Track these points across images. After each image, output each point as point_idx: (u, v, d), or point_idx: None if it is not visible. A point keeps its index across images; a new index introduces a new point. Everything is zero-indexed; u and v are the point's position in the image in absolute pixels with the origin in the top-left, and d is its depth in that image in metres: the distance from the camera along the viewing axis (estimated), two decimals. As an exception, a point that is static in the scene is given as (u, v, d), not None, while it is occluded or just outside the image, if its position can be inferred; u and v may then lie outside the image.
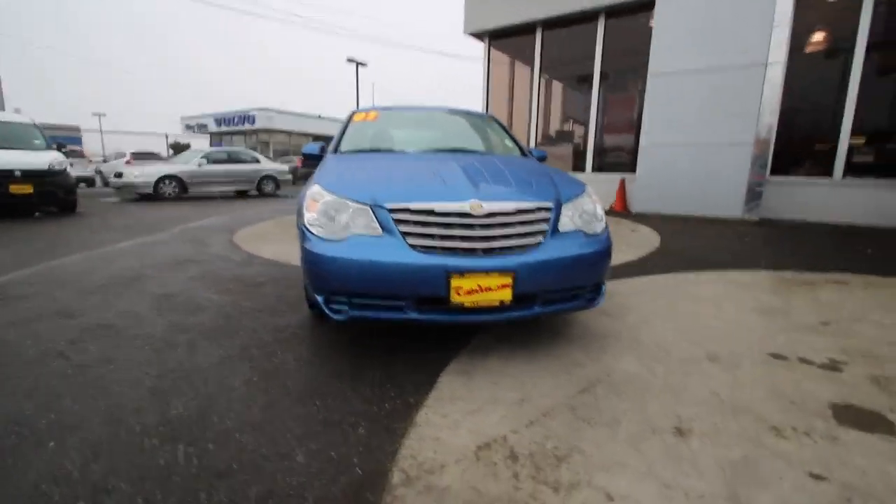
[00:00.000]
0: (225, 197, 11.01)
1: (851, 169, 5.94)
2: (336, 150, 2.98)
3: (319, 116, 33.78)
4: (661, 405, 1.63)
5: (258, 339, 2.20)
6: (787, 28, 5.57)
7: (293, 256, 4.01)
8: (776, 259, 3.96)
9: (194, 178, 10.18)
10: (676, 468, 1.29)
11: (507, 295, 1.80)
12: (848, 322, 2.46)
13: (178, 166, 10.16)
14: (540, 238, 1.91)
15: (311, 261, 1.88)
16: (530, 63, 8.49)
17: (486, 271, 1.77)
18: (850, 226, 5.69)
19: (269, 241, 4.89)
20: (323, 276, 1.85)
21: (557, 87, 8.76)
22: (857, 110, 5.78)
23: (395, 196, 1.91)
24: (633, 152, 7.37)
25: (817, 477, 1.25)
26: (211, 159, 10.56)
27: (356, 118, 3.30)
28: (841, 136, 5.91)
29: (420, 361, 1.98)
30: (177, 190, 9.93)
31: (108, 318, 2.46)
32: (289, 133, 32.16)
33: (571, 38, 8.01)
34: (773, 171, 6.20)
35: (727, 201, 6.16)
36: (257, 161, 11.56)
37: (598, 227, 2.12)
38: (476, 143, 3.15)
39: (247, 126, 30.97)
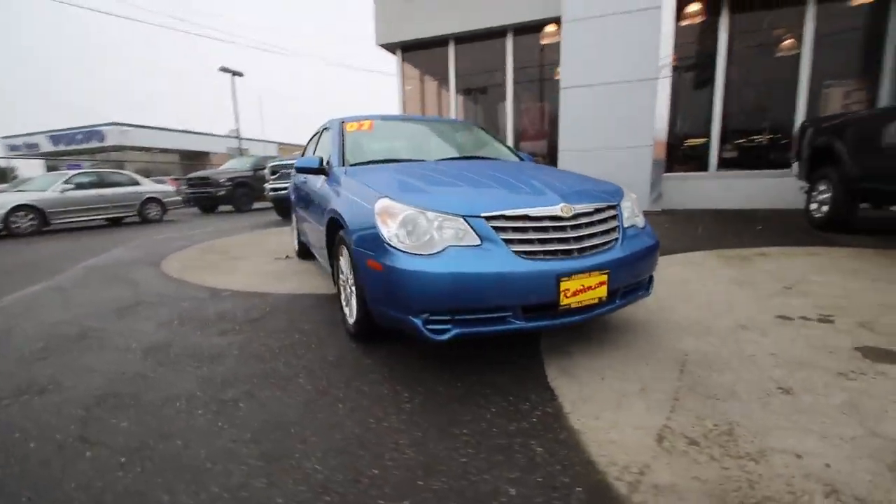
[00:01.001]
0: (94, 227, 9.28)
1: (723, 163, 7.26)
2: (343, 163, 2.76)
3: (186, 131, 30.31)
4: (750, 372, 1.85)
5: (324, 377, 1.95)
6: (670, 48, 6.62)
7: (263, 285, 3.59)
8: (700, 241, 4.67)
9: (57, 206, 8.38)
10: (816, 421, 1.49)
11: (603, 292, 1.88)
12: (802, 285, 3.03)
13: (34, 194, 8.27)
14: (616, 235, 2.03)
15: (405, 279, 1.73)
16: (445, 76, 8.74)
17: (588, 271, 1.83)
18: (728, 210, 6.95)
19: (214, 271, 4.27)
20: (422, 294, 1.72)
21: (474, 98, 9.15)
22: (723, 115, 7.10)
23: (487, 205, 1.86)
24: (549, 157, 8.03)
25: (911, 405, 1.55)
26: (76, 184, 8.80)
27: (348, 128, 3.10)
28: (712, 136, 7.20)
29: (514, 371, 1.95)
30: (35, 223, 8.07)
31: (103, 387, 1.95)
32: (148, 149, 28.25)
33: (484, 52, 8.46)
34: (666, 169, 7.29)
35: (637, 197, 7.05)
36: (136, 183, 9.96)
37: (642, 222, 2.31)
38: (485, 150, 3.19)
39: (94, 143, 26.41)
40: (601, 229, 1.98)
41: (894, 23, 6.29)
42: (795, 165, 5.65)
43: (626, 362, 1.98)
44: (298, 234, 4.32)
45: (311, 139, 4.21)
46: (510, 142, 8.41)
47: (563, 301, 1.79)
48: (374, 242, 1.88)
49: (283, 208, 8.93)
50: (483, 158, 2.95)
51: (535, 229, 1.84)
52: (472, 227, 1.79)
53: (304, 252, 4.46)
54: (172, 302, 3.24)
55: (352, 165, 2.75)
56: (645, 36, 6.61)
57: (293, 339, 2.44)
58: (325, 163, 2.85)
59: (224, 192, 11.41)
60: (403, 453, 1.42)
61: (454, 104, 8.73)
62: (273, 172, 8.26)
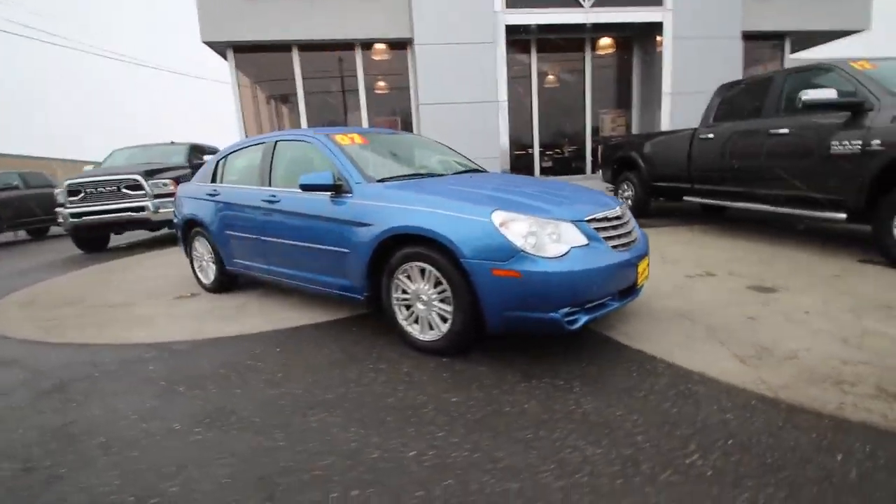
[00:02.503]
0: None
1: (543, 171, 9.09)
2: (365, 179, 2.65)
3: None
4: (722, 311, 2.74)
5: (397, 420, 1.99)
6: (505, 77, 7.95)
7: (221, 329, 3.04)
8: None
9: None
10: (780, 324, 2.42)
11: (648, 272, 2.50)
12: (668, 254, 4.34)
13: None
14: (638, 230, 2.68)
15: (551, 281, 1.98)
16: (288, 83, 8.23)
17: (644, 257, 2.42)
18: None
19: (109, 324, 3.24)
20: (565, 291, 2.00)
21: (323, 108, 8.83)
22: (539, 131, 8.91)
23: (579, 211, 2.25)
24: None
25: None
26: None
27: (342, 142, 2.93)
28: (535, 149, 8.95)
29: (608, 351, 2.39)
30: None
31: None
32: None
33: (333, 62, 8.32)
34: (506, 176, 8.70)
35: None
36: None
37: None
38: (462, 162, 3.47)
39: None
40: (634, 226, 2.60)
41: (636, 67, 9.09)
42: (600, 172, 7.62)
43: (652, 322, 2.66)
44: (221, 263, 3.66)
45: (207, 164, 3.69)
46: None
47: (638, 282, 2.34)
48: (500, 252, 2.03)
49: (89, 238, 6.91)
50: (481, 171, 3.25)
51: (611, 227, 2.32)
52: (580, 230, 2.16)
53: (227, 283, 3.81)
54: (122, 373, 2.44)
55: (379, 181, 2.67)
56: (488, 64, 7.76)
57: (384, 376, 2.29)
58: (335, 179, 2.66)
59: None
60: (619, 414, 1.72)
61: (303, 115, 8.31)
62: (74, 192, 6.32)
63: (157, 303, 3.73)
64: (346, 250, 2.62)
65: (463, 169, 3.36)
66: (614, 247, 2.25)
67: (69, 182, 6.42)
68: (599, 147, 7.65)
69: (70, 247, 7.36)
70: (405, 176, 2.87)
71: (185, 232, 4.03)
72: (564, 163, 9.25)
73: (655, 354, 2.22)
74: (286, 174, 3.16)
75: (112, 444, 1.71)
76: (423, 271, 2.32)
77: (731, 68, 8.38)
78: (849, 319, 2.48)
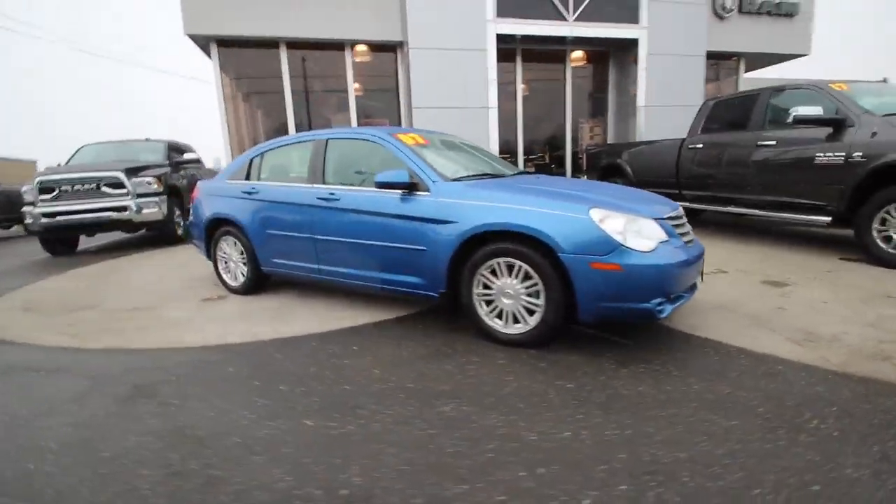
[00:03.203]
0: None
1: (527, 176, 9.40)
2: (441, 178, 2.72)
3: None
4: (753, 302, 3.05)
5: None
6: (496, 84, 8.18)
7: (276, 331, 2.97)
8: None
9: None
10: (808, 313, 2.75)
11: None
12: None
13: None
14: (686, 229, 2.92)
15: (650, 274, 2.16)
16: (274, 80, 8.00)
17: (703, 253, 2.65)
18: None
19: (152, 327, 3.06)
20: (661, 283, 2.19)
21: (310, 108, 8.61)
22: (523, 137, 9.22)
23: (655, 210, 2.44)
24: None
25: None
26: None
27: (408, 142, 2.97)
28: (518, 154, 9.25)
29: (676, 342, 2.60)
30: None
31: None
32: None
33: (322, 62, 8.19)
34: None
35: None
36: None
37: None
38: (510, 165, 3.64)
39: None
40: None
41: (612, 79, 9.65)
42: (585, 176, 8.02)
43: (699, 314, 2.91)
44: (256, 264, 3.56)
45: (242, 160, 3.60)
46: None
47: (702, 277, 2.57)
48: (600, 247, 2.18)
49: (59, 240, 6.35)
50: (532, 173, 3.40)
51: (679, 226, 2.54)
52: (662, 228, 2.35)
53: (257, 285, 3.70)
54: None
55: (454, 180, 2.74)
56: (479, 71, 7.96)
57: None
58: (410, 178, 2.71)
59: None
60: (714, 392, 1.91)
61: (290, 115, 8.09)
62: (46, 190, 5.80)
63: (183, 305, 3.54)
64: (422, 248, 2.67)
65: (517, 171, 3.50)
66: (685, 243, 2.47)
67: (41, 179, 5.88)
68: (585, 154, 8.06)
69: (31, 250, 6.72)
70: (475, 176, 2.96)
71: (208, 232, 3.86)
72: (545, 168, 9.62)
73: (722, 340, 2.46)
74: (344, 172, 3.14)
75: (252, 444, 1.67)
76: (510, 267, 2.43)
77: (697, 85, 9.14)
78: (863, 307, 2.85)
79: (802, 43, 10.12)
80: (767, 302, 3.05)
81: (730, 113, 5.52)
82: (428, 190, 2.69)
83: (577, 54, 9.40)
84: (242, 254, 3.67)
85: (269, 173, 3.61)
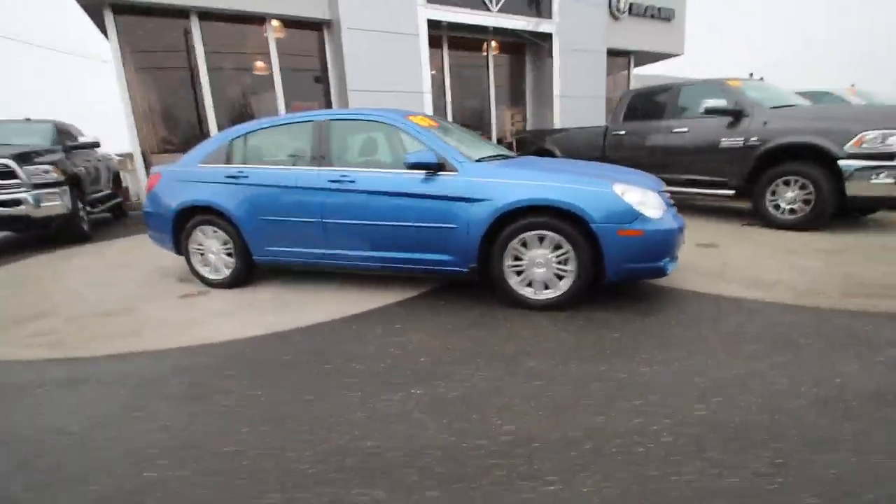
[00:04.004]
0: None
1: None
2: (468, 158, 2.87)
3: None
4: (743, 269, 3.74)
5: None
6: (429, 68, 8.29)
7: (286, 321, 2.90)
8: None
9: None
10: (790, 262, 3.49)
11: (676, 232, 3.30)
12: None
13: None
14: (658, 200, 3.45)
15: (664, 236, 2.60)
16: (185, 56, 7.16)
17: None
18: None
19: (137, 333, 2.72)
20: (671, 244, 2.64)
21: (230, 87, 7.81)
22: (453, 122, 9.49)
23: (657, 184, 2.89)
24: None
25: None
26: None
27: (422, 123, 3.04)
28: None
29: (672, 292, 3.10)
30: None
31: None
32: None
33: (244, 37, 7.49)
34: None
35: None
36: None
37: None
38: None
39: None
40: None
41: (528, 70, 10.34)
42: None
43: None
44: (246, 253, 3.34)
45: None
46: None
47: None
48: (625, 216, 2.55)
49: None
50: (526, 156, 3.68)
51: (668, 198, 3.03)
52: (661, 199, 2.79)
53: (245, 277, 3.48)
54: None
55: (478, 161, 2.90)
56: (413, 55, 7.99)
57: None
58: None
59: None
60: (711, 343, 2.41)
61: (207, 96, 7.31)
62: None
63: (163, 304, 3.20)
64: (452, 225, 2.80)
65: (511, 153, 3.73)
66: (674, 213, 2.96)
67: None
68: (515, 139, 8.61)
69: None
70: (494, 156, 3.14)
71: (178, 223, 3.48)
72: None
73: (699, 290, 3.01)
74: (354, 154, 3.11)
75: (380, 415, 1.72)
76: (540, 238, 2.69)
77: (600, 78, 10.25)
78: (781, 259, 3.67)
79: (678, 44, 11.86)
80: (712, 261, 3.75)
81: (647, 104, 6.39)
82: (455, 170, 2.82)
83: (499, 44, 9.90)
84: (226, 244, 3.41)
85: (257, 156, 3.38)
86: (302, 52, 8.15)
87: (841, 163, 4.29)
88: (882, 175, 4.17)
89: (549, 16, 9.30)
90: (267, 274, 3.74)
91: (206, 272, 3.54)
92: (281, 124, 3.38)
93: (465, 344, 2.36)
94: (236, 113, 7.88)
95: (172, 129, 7.65)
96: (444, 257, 2.90)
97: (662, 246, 2.62)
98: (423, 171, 2.84)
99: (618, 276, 2.66)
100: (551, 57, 9.58)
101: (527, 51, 10.24)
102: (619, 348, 2.21)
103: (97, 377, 2.17)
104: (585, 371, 2.00)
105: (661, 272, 2.65)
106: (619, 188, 2.61)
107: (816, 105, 5.68)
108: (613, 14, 10.55)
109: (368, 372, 2.10)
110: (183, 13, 7.02)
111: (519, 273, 2.80)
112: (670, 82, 6.13)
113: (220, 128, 7.46)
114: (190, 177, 3.45)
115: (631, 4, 10.83)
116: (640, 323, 2.52)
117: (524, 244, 2.73)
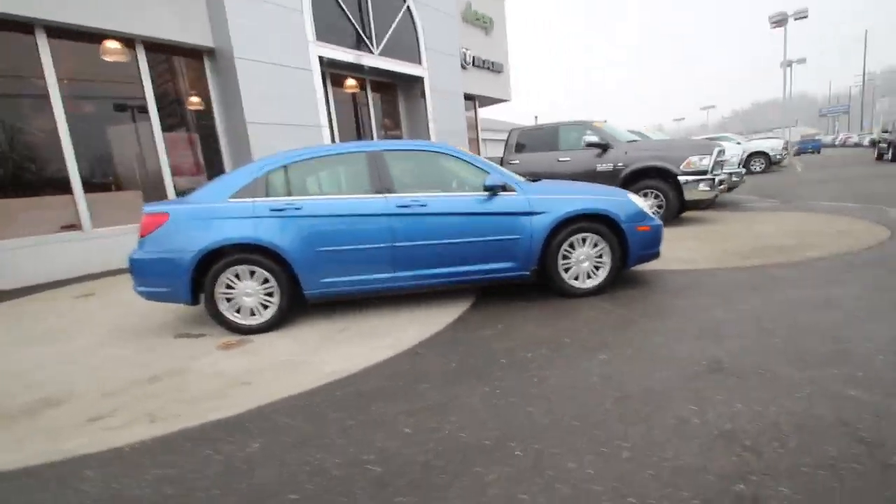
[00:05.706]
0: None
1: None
2: (522, 180, 3.47)
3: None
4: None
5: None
6: (324, 102, 8.35)
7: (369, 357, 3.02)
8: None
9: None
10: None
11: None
12: (539, 237, 6.57)
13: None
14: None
15: (660, 230, 3.64)
16: (34, 77, 5.68)
17: (635, 221, 4.40)
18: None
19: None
20: (661, 234, 3.72)
21: (92, 119, 6.28)
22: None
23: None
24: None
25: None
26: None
27: (472, 153, 3.49)
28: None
29: (657, 275, 4.19)
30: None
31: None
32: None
33: (108, 63, 6.27)
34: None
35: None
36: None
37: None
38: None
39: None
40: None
41: (401, 107, 11.18)
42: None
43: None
44: (294, 289, 3.17)
45: None
46: (167, 175, 6.93)
47: (643, 233, 4.29)
48: (639, 216, 3.53)
49: None
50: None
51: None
52: (648, 204, 3.88)
53: (284, 318, 3.28)
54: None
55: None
56: (308, 89, 7.97)
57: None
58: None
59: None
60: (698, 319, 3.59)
61: (62, 126, 5.86)
62: None
63: (207, 363, 2.79)
64: (517, 236, 3.34)
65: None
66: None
67: None
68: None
69: None
70: (531, 179, 3.77)
71: (199, 267, 3.05)
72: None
73: (655, 269, 4.20)
74: (415, 181, 3.35)
75: (552, 410, 2.18)
76: (583, 239, 3.46)
77: (460, 116, 11.81)
78: (688, 245, 5.25)
79: (506, 91, 14.44)
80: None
81: (531, 139, 7.91)
82: (514, 190, 3.38)
83: (376, 83, 10.52)
84: (266, 282, 3.16)
85: (300, 188, 3.27)
86: (180, 83, 7.27)
87: (680, 178, 6.33)
88: (702, 184, 6.31)
89: (419, 62, 10.41)
90: (294, 315, 3.52)
91: (236, 318, 3.18)
92: (325, 155, 3.36)
93: (577, 335, 2.90)
94: (101, 150, 6.51)
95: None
96: (509, 264, 3.40)
97: (658, 237, 3.69)
98: (487, 193, 3.32)
99: (634, 262, 3.61)
100: (423, 97, 10.67)
101: (399, 90, 11.12)
102: (662, 325, 3.10)
103: (215, 444, 1.98)
104: (656, 342, 2.83)
105: (657, 256, 3.71)
106: (633, 197, 3.60)
107: (652, 139, 8.03)
108: (463, 65, 12.34)
109: (544, 355, 2.49)
110: (27, 26, 5.59)
111: (567, 269, 3.50)
112: (550, 123, 7.77)
113: (83, 165, 6.09)
114: (218, 213, 3.10)
115: (473, 58, 12.85)
116: (659, 297, 3.51)
117: (571, 246, 3.46)
